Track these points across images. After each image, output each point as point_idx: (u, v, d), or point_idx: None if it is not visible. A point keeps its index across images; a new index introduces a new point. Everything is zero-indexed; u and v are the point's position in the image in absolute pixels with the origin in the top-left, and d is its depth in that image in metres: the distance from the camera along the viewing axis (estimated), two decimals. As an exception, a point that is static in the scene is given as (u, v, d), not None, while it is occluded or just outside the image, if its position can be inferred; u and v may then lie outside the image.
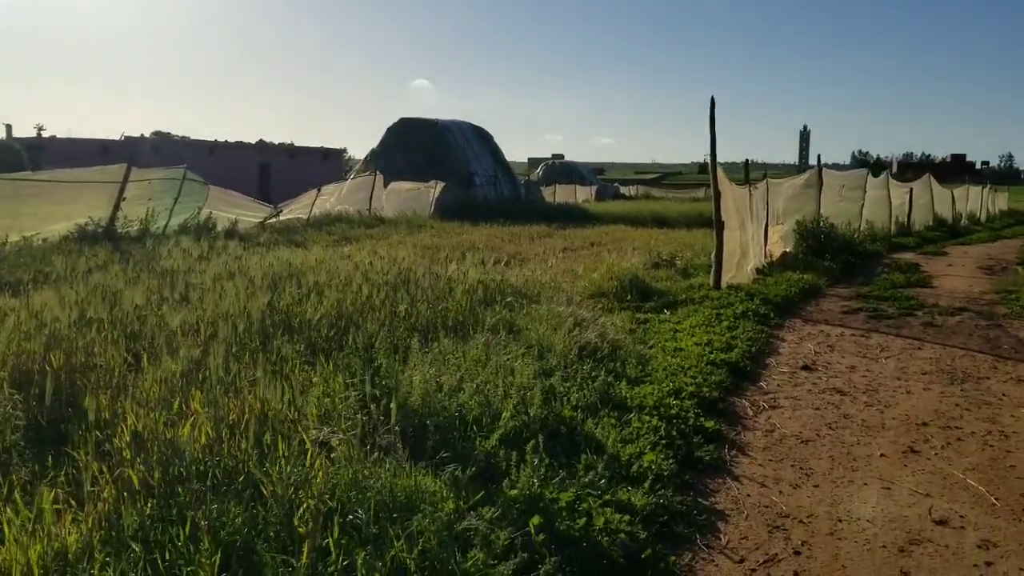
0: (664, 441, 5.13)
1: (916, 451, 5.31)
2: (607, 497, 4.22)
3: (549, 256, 16.28)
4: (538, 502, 4.02)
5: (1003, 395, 6.56)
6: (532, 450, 4.39)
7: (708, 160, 12.02)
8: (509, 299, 9.38)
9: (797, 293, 11.81)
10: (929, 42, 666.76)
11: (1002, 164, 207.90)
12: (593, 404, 5.68)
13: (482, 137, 42.59)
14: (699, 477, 4.85)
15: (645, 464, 4.70)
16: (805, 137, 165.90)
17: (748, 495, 4.62)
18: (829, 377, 7.28)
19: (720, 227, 11.75)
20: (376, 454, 4.14)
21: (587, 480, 4.41)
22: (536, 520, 3.79)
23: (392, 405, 4.62)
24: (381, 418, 4.55)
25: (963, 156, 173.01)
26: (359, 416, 4.52)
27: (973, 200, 37.54)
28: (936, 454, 5.25)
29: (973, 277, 15.03)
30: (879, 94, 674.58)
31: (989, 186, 44.35)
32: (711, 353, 7.68)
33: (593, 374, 6.39)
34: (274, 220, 23.14)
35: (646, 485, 4.43)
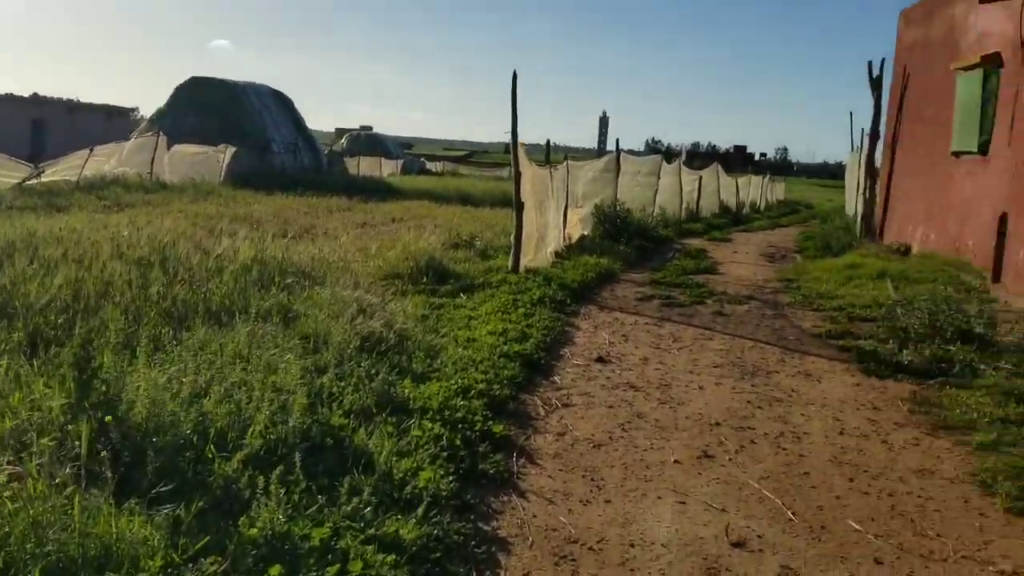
0: (446, 452, 4.52)
1: (710, 456, 5.02)
2: (371, 531, 3.55)
3: (345, 231, 15.35)
4: (283, 543, 3.28)
5: (792, 391, 6.49)
6: (279, 476, 3.63)
7: (517, 142, 11.56)
8: (289, 280, 8.48)
9: (594, 278, 11.64)
10: (716, 40, 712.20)
11: (778, 156, 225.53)
12: (369, 408, 4.99)
13: (283, 103, 40.44)
14: (483, 495, 4.28)
15: (421, 483, 4.07)
16: (604, 123, 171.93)
17: (535, 516, 4.10)
18: (623, 370, 6.98)
19: (520, 208, 11.34)
20: (73, 488, 3.24)
21: (350, 509, 3.72)
22: (276, 571, 3.05)
23: (108, 419, 3.71)
24: (93, 436, 3.63)
25: (744, 148, 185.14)
26: (58, 435, 3.58)
27: (755, 189, 39.95)
28: (730, 459, 4.98)
29: (757, 264, 15.63)
30: (671, 86, 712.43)
31: (769, 176, 47.45)
32: (505, 344, 7.19)
33: (374, 371, 5.69)
34: (35, 182, 20.60)
35: (420, 511, 3.79)
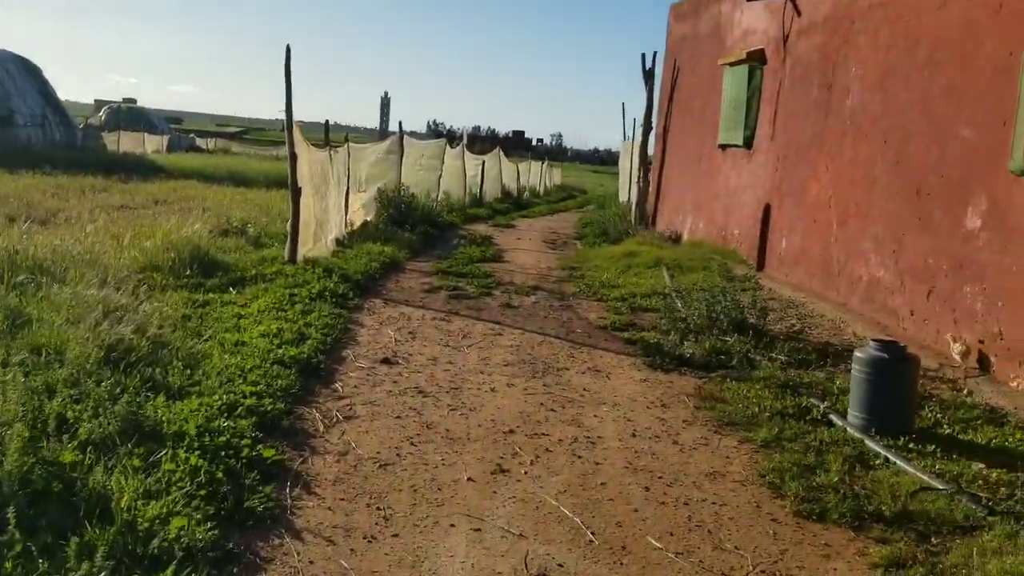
0: (205, 490, 3.87)
1: (505, 470, 4.70)
2: (103, 608, 2.88)
3: (97, 216, 13.73)
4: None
5: (584, 390, 6.33)
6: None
7: (292, 120, 10.71)
8: (22, 278, 7.30)
9: (378, 268, 11.10)
10: (496, 27, 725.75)
11: (553, 142, 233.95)
12: (111, 438, 4.22)
13: (29, 71, 36.21)
14: (249, 540, 3.67)
15: (172, 533, 3.42)
16: (386, 104, 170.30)
17: (311, 562, 3.56)
18: (411, 373, 6.54)
19: (297, 193, 10.56)
20: None
21: (80, 575, 3.02)
22: None
23: None
24: None
25: (523, 133, 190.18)
26: None
27: (534, 174, 40.86)
28: (526, 472, 4.68)
29: (541, 252, 15.72)
30: (453, 69, 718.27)
31: (547, 162, 48.76)
32: (280, 347, 6.53)
33: (119, 389, 4.88)
34: None
35: (169, 571, 3.15)
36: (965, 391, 6.54)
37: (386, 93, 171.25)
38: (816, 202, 10.24)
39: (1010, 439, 5.56)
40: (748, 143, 12.75)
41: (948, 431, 5.67)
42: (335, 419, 5.36)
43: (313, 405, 5.60)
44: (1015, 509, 4.40)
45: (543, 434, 5.32)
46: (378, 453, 4.83)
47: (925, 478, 4.77)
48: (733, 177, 13.44)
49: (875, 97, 9.00)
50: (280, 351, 6.42)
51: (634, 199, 18.86)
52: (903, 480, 4.75)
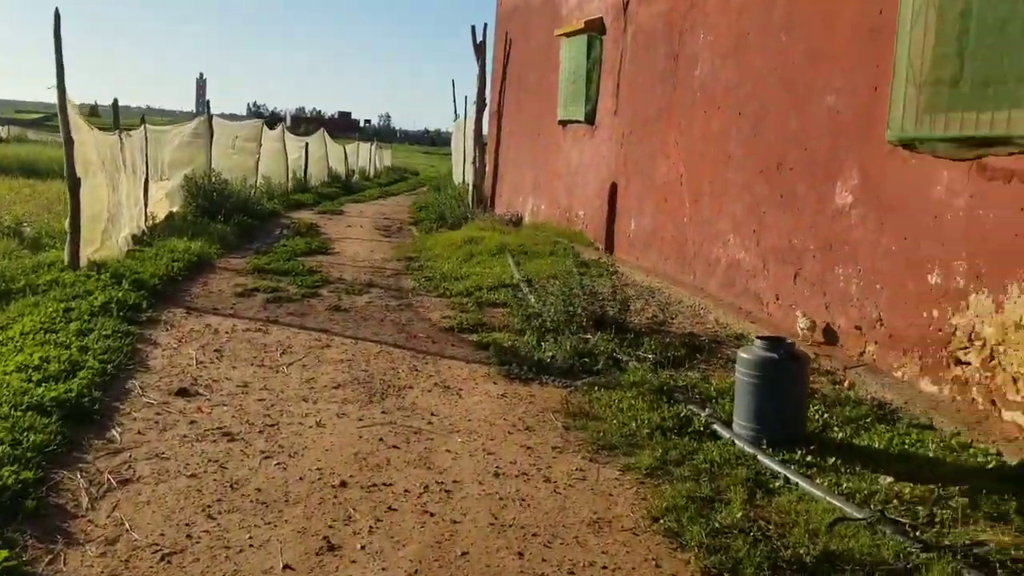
0: None
1: (335, 547, 3.58)
2: None
3: None
4: None
5: (432, 415, 5.28)
6: None
7: (65, 99, 8.89)
8: None
9: (182, 269, 9.56)
10: (320, 4, 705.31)
11: (382, 123, 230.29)
12: None
13: None
14: None
15: None
16: (202, 85, 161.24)
17: None
18: (214, 406, 5.26)
19: (76, 185, 8.86)
20: None
21: None
22: None
23: None
24: None
25: (349, 113, 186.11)
26: None
27: (363, 156, 39.14)
28: (363, 548, 3.59)
29: (374, 240, 14.47)
30: (274, 50, 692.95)
31: (376, 143, 47.01)
32: (40, 386, 5.10)
33: None
34: None
35: None
36: (846, 383, 5.98)
37: (201, 75, 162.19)
38: (667, 180, 9.61)
39: (907, 440, 4.99)
40: (590, 118, 12.04)
41: (840, 435, 5.04)
42: (106, 486, 4.06)
43: (78, 467, 4.25)
44: (946, 540, 3.75)
45: (384, 484, 4.22)
46: (161, 536, 3.59)
47: (838, 504, 4.06)
48: (575, 155, 12.72)
49: (727, 65, 8.40)
50: (40, 391, 4.99)
51: (471, 181, 17.92)
52: (813, 508, 4.02)
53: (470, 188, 17.97)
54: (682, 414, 5.29)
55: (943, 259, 5.49)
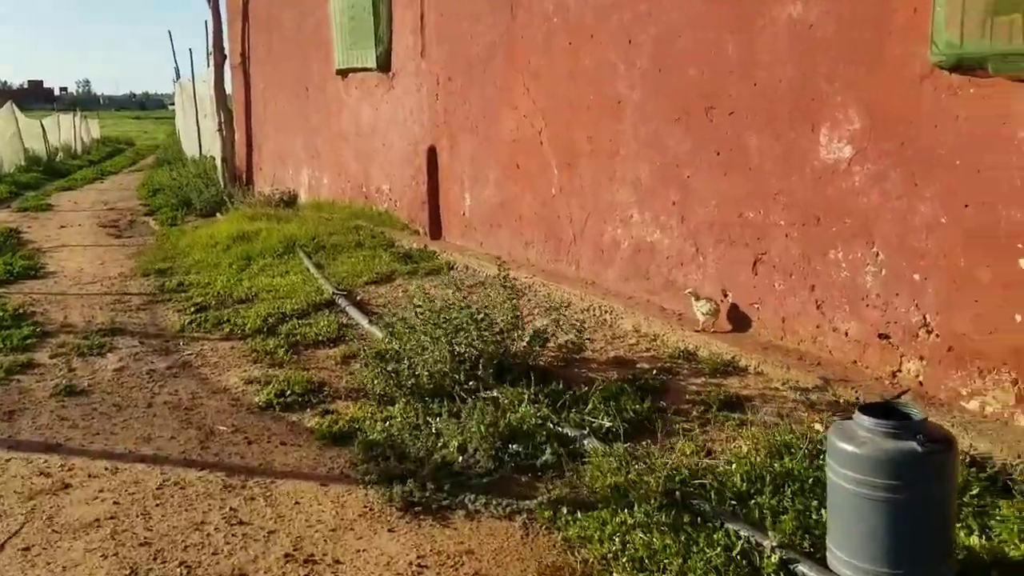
0: None
1: None
2: None
3: None
4: None
5: None
6: None
7: None
8: None
9: None
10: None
11: (81, 89, 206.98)
12: None
13: None
14: None
15: None
16: None
17: None
18: None
19: None
20: None
21: None
22: None
23: None
24: None
25: (41, 82, 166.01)
26: None
27: (66, 130, 33.07)
28: None
29: (101, 246, 10.88)
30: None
31: (80, 113, 40.26)
32: None
33: None
34: None
35: None
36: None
37: None
38: (516, 138, 7.27)
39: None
40: (383, 64, 9.36)
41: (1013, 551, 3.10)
42: None
43: None
44: None
45: None
46: None
47: None
48: (367, 112, 9.99)
49: (602, -24, 6.15)
50: None
51: (218, 153, 14.48)
52: None
53: (219, 162, 14.55)
54: (733, 549, 3.09)
55: (1051, 235, 3.65)
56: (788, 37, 4.77)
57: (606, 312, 6.06)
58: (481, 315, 4.81)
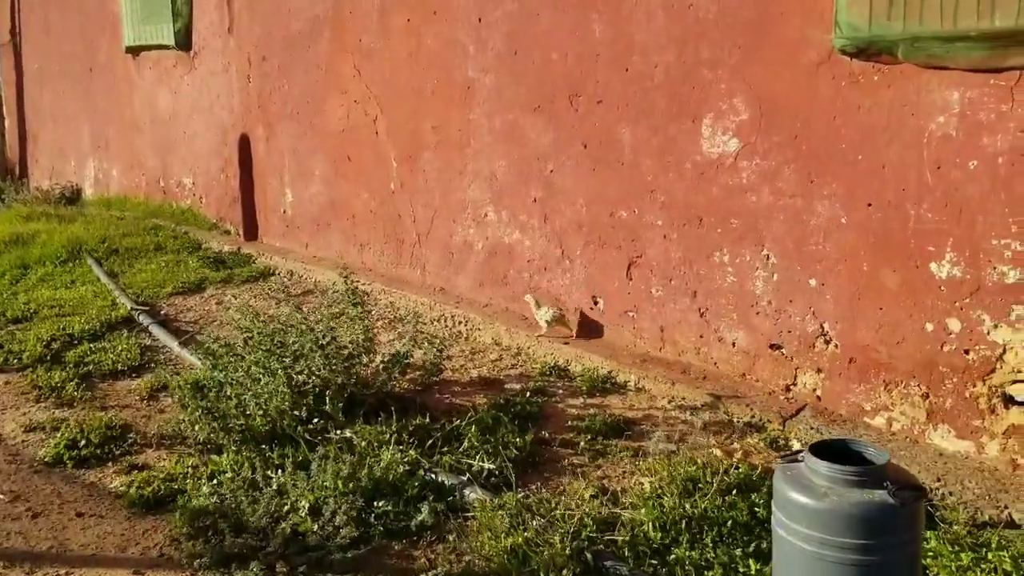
0: None
1: None
2: None
3: None
4: None
5: None
6: None
7: None
8: None
9: None
10: None
11: None
12: None
13: None
14: None
15: None
16: None
17: None
18: None
19: None
20: None
21: None
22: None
23: None
24: None
25: None
26: None
27: None
28: None
29: None
30: None
31: None
32: None
33: None
34: None
35: None
36: (793, 444, 3.71)
37: None
38: (347, 127, 6.45)
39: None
40: (183, 42, 8.19)
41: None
42: None
43: None
44: None
45: None
46: None
47: None
48: (164, 96, 8.75)
49: (446, -55, 5.46)
50: None
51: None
52: None
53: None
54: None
55: (963, 236, 3.38)
56: (665, 17, 4.31)
57: (460, 323, 5.42)
58: (327, 337, 4.02)
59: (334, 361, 3.97)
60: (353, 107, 6.33)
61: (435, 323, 5.51)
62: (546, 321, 4.82)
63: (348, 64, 6.32)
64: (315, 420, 3.83)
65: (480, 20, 5.28)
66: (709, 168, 4.22)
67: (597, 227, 4.78)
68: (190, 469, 3.61)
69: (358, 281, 6.00)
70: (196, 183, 8.47)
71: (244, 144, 7.54)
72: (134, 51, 8.96)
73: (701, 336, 4.38)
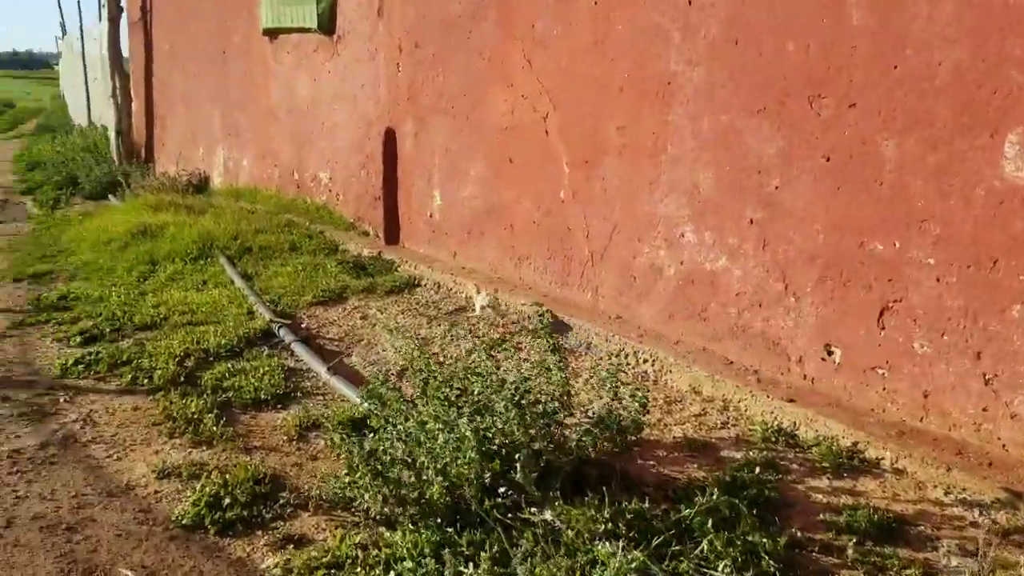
0: None
1: None
2: None
3: None
4: None
5: None
6: None
7: None
8: None
9: None
10: None
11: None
12: None
13: None
14: None
15: None
16: None
17: None
18: None
19: None
20: None
21: None
22: None
23: None
24: None
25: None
26: None
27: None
28: None
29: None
30: None
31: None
32: None
33: None
34: None
35: None
36: None
37: None
38: (511, 124, 5.70)
39: None
40: (326, 25, 7.61)
41: None
42: None
43: None
44: None
45: None
46: None
47: None
48: (304, 84, 8.21)
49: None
50: None
51: (112, 125, 12.33)
52: None
53: (112, 135, 12.40)
54: None
55: None
56: (956, 2, 3.38)
57: (646, 361, 4.60)
58: (522, 390, 3.26)
59: (529, 419, 3.21)
60: (520, 102, 5.58)
61: (612, 358, 4.70)
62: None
63: (516, 53, 5.56)
64: (503, 491, 3.08)
65: (690, 2, 4.43)
66: (1012, 197, 3.27)
67: (838, 260, 3.88)
68: (359, 551, 2.90)
69: (515, 300, 5.27)
70: (333, 179, 7.89)
71: (389, 139, 6.89)
72: (271, 33, 8.45)
73: (985, 409, 3.44)
